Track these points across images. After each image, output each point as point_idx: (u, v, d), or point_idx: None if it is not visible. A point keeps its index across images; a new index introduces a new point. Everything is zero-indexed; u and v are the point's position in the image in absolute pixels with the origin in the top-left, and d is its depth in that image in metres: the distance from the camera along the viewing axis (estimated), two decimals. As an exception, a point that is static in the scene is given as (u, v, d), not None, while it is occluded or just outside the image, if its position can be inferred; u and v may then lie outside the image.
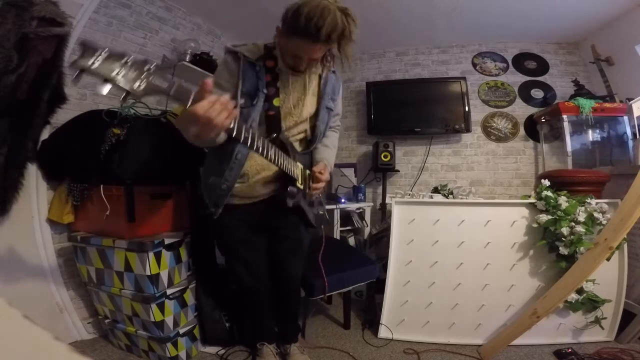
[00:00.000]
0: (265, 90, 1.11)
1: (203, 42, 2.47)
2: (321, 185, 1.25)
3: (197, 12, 2.44)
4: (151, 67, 0.62)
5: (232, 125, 0.80)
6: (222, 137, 0.99)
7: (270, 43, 1.16)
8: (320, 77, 1.23)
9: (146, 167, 1.46)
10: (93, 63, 0.56)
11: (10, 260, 1.43)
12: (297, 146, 1.24)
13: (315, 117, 1.23)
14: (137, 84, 0.60)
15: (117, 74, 0.58)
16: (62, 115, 1.52)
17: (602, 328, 1.58)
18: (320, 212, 1.40)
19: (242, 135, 0.85)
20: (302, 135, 1.25)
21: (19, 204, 1.38)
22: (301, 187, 1.20)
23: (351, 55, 1.04)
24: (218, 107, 0.71)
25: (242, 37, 1.26)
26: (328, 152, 1.35)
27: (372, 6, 2.35)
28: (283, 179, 1.17)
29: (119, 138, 1.42)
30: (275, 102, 1.14)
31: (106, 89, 0.58)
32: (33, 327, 0.21)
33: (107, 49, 0.57)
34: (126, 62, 0.58)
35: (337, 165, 2.94)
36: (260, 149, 0.94)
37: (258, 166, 1.19)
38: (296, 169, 1.17)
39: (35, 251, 1.52)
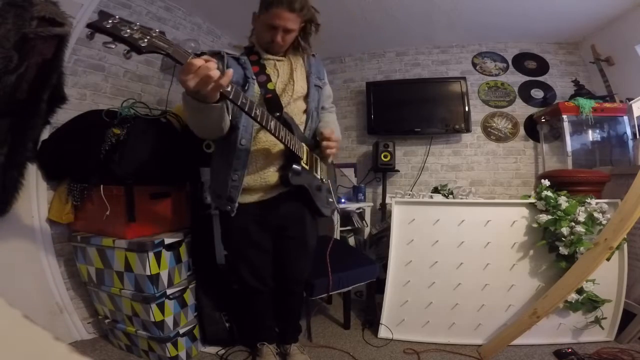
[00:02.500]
0: (254, 77, 1.16)
1: (203, 42, 2.47)
2: (333, 143, 1.26)
3: (197, 12, 2.44)
4: (156, 32, 0.74)
5: (229, 89, 0.88)
6: (227, 121, 1.08)
7: (249, 44, 1.25)
8: (302, 59, 1.29)
9: (146, 167, 1.46)
10: (107, 24, 0.68)
11: (10, 260, 1.43)
12: (302, 129, 1.26)
13: (307, 95, 1.28)
14: (140, 42, 0.71)
15: (124, 33, 0.70)
16: (62, 115, 1.52)
17: (602, 328, 1.57)
18: (330, 200, 1.40)
19: (240, 100, 0.92)
20: (304, 118, 1.27)
21: (19, 204, 1.38)
22: (306, 167, 1.21)
23: (317, 33, 1.22)
24: (213, 64, 0.82)
25: (242, 37, 1.27)
26: (330, 123, 1.39)
27: (372, 6, 2.35)
28: (288, 158, 1.20)
29: (118, 138, 1.42)
30: (270, 85, 1.18)
31: (113, 45, 0.71)
32: (33, 327, 0.21)
33: (118, 16, 0.70)
34: (133, 27, 0.71)
35: (337, 165, 2.94)
36: (260, 117, 0.99)
37: (265, 147, 1.19)
38: (301, 147, 1.19)
39: (35, 251, 1.52)
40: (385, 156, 2.72)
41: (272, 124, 1.04)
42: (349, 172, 3.02)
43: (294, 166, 1.18)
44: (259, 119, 0.99)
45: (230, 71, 0.86)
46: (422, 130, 2.85)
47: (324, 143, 1.25)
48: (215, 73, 0.81)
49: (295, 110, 1.24)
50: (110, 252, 1.43)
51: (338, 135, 1.34)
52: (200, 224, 1.63)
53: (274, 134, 1.06)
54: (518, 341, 1.50)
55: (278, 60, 1.22)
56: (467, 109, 2.78)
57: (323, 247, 1.66)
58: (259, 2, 1.14)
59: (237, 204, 1.19)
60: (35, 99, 1.30)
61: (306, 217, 1.33)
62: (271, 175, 1.21)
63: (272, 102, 1.17)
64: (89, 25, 0.68)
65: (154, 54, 0.75)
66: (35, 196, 1.53)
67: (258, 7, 1.15)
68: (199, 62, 0.79)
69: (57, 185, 1.59)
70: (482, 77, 2.93)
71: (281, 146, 1.17)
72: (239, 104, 0.92)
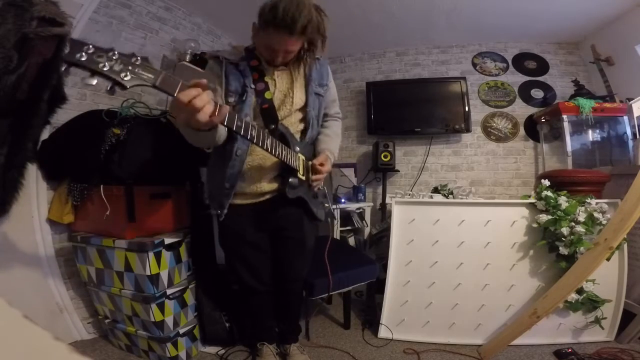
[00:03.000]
0: (253, 86, 1.14)
1: (203, 42, 2.47)
2: (321, 176, 1.23)
3: (197, 12, 2.44)
4: (137, 59, 0.65)
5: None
6: (222, 134, 1.03)
7: (251, 45, 1.20)
8: (304, 65, 1.25)
9: (146, 167, 1.46)
10: (80, 57, 0.59)
11: (10, 261, 1.43)
12: (298, 138, 1.25)
13: (305, 105, 1.24)
14: (122, 75, 0.63)
15: (103, 66, 0.61)
16: (62, 115, 1.52)
17: (602, 328, 1.57)
18: (326, 205, 1.40)
19: (235, 124, 0.88)
20: (302, 126, 1.26)
21: (19, 204, 1.38)
22: (303, 178, 1.20)
23: (324, 52, 1.15)
24: (205, 98, 0.74)
25: (242, 37, 1.26)
26: (330, 141, 1.34)
27: (372, 6, 2.35)
28: (284, 170, 1.19)
29: (119, 138, 1.42)
30: (267, 95, 1.16)
31: (94, 80, 0.62)
32: (33, 327, 0.21)
33: (91, 45, 0.60)
34: (112, 56, 0.62)
35: (337, 165, 2.94)
36: (255, 138, 0.96)
37: (259, 160, 1.19)
38: (297, 159, 1.18)
39: (35, 251, 1.52)
40: (385, 156, 2.72)
41: (268, 142, 1.02)
42: (349, 172, 3.02)
43: (291, 180, 1.16)
44: (254, 141, 0.96)
45: (225, 109, 0.81)
46: (422, 130, 2.85)
47: (312, 177, 1.21)
48: (207, 110, 0.74)
49: (292, 120, 1.22)
50: (110, 252, 1.43)
51: (333, 157, 1.31)
52: (200, 224, 1.62)
53: (269, 151, 1.04)
54: (518, 341, 1.50)
55: (278, 69, 1.20)
56: (467, 109, 2.78)
57: (321, 247, 1.66)
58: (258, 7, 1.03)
59: (225, 211, 1.20)
60: (35, 99, 1.30)
61: (304, 218, 1.33)
62: (265, 186, 1.22)
63: (268, 113, 1.15)
64: (65, 61, 0.60)
65: (140, 86, 0.68)
66: (35, 196, 1.53)
67: (257, 17, 1.04)
68: (187, 97, 0.71)
69: (57, 185, 1.59)
70: (482, 77, 2.93)
71: (275, 159, 1.14)
72: (234, 128, 0.89)
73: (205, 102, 0.74)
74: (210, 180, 1.27)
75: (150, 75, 0.67)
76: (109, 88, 0.64)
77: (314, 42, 1.13)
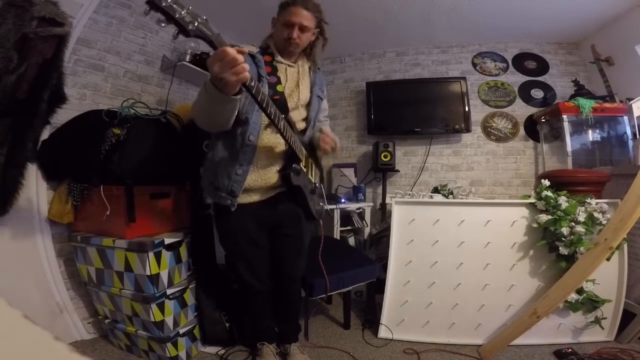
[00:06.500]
0: (267, 77, 1.22)
1: (203, 42, 2.46)
2: (329, 139, 1.31)
3: (197, 12, 2.44)
4: (203, 18, 0.82)
5: (252, 83, 0.94)
6: (234, 114, 1.09)
7: (264, 44, 1.30)
8: (309, 70, 1.37)
9: (146, 167, 1.46)
10: (164, 3, 0.74)
11: (10, 260, 1.43)
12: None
13: (308, 104, 1.35)
14: (189, 26, 0.79)
15: (178, 14, 0.76)
16: (62, 115, 1.52)
17: (602, 328, 1.58)
18: (321, 204, 1.43)
19: (260, 96, 0.97)
20: (303, 125, 1.33)
21: (19, 204, 1.38)
22: (304, 169, 1.27)
23: (322, 49, 1.36)
24: (242, 57, 0.87)
25: (242, 37, 1.28)
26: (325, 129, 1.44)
27: (372, 6, 2.35)
28: (289, 158, 1.25)
29: (119, 138, 1.42)
30: (279, 88, 1.24)
31: (164, 23, 0.76)
32: (33, 327, 0.21)
33: None
34: (186, 10, 0.77)
35: (337, 165, 2.94)
36: (273, 115, 1.05)
37: (267, 149, 1.22)
38: (301, 149, 1.25)
39: (35, 251, 1.52)
40: (385, 156, 2.72)
41: (282, 123, 1.10)
42: (349, 172, 3.02)
43: (295, 165, 1.23)
44: (272, 117, 1.04)
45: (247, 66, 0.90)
46: (422, 130, 2.84)
47: (321, 136, 1.31)
48: (243, 67, 0.87)
49: (296, 117, 1.29)
50: (110, 252, 1.43)
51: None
52: (200, 224, 1.62)
53: (282, 133, 1.11)
54: (518, 341, 1.51)
55: (289, 66, 1.29)
56: (467, 109, 2.78)
57: (315, 248, 1.65)
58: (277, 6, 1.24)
59: (237, 200, 1.19)
60: (35, 99, 1.30)
61: (302, 215, 1.36)
62: (272, 176, 1.23)
63: (279, 105, 1.18)
64: (148, 2, 0.73)
65: (199, 39, 0.83)
66: (35, 196, 1.53)
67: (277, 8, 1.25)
68: (231, 50, 0.85)
69: (57, 185, 1.59)
70: (482, 77, 2.93)
71: (283, 147, 1.21)
72: (258, 99, 0.97)
73: (242, 58, 0.88)
74: (214, 170, 1.21)
75: (208, 33, 0.83)
76: (175, 33, 0.79)
77: (321, 30, 1.30)
